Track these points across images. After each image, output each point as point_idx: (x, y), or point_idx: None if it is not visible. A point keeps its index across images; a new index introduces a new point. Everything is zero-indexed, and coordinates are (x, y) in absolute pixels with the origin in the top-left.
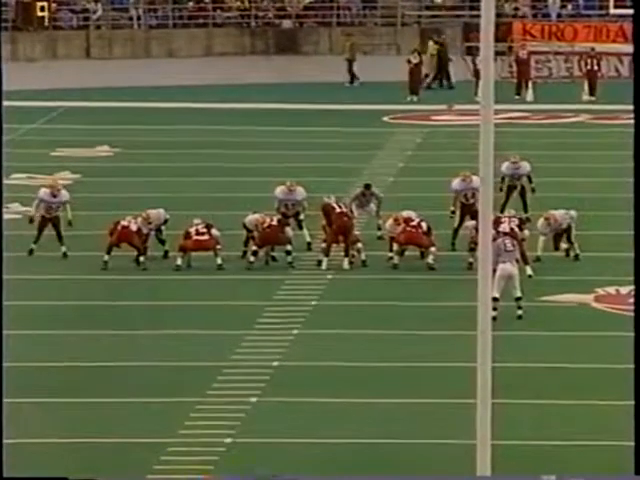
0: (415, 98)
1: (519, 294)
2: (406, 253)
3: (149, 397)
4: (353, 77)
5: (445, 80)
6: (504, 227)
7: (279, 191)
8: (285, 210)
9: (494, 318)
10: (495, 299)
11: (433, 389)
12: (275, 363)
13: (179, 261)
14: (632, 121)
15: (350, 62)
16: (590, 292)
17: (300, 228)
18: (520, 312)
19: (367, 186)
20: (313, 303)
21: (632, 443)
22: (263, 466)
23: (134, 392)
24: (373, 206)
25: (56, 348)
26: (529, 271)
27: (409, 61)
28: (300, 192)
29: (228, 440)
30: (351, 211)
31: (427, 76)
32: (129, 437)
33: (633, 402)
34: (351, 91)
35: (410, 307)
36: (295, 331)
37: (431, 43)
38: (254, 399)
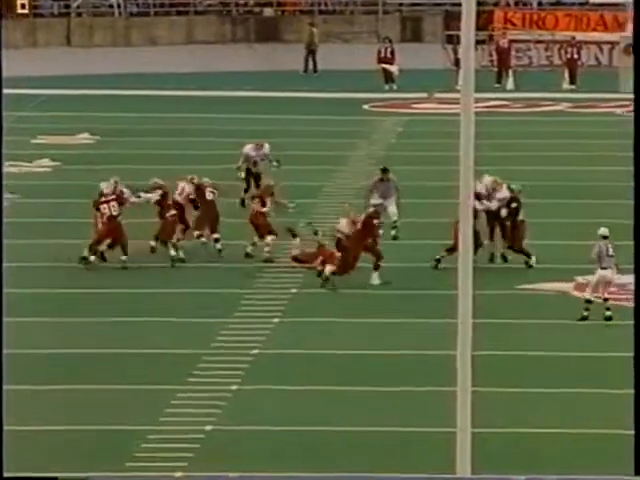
0: (394, 86)
1: (607, 295)
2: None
3: (129, 385)
4: (307, 66)
5: None
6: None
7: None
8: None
9: (585, 318)
10: (589, 301)
11: (414, 377)
12: (255, 351)
13: (172, 252)
14: (612, 109)
15: (311, 51)
16: (570, 280)
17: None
18: (609, 313)
19: (384, 170)
20: (293, 291)
21: (609, 431)
22: (243, 453)
23: (114, 380)
24: (393, 207)
25: (38, 336)
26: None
27: (379, 50)
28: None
29: (209, 428)
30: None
31: None
32: (109, 424)
33: (611, 390)
34: (309, 80)
35: (391, 296)
36: (275, 319)
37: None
38: (235, 387)
